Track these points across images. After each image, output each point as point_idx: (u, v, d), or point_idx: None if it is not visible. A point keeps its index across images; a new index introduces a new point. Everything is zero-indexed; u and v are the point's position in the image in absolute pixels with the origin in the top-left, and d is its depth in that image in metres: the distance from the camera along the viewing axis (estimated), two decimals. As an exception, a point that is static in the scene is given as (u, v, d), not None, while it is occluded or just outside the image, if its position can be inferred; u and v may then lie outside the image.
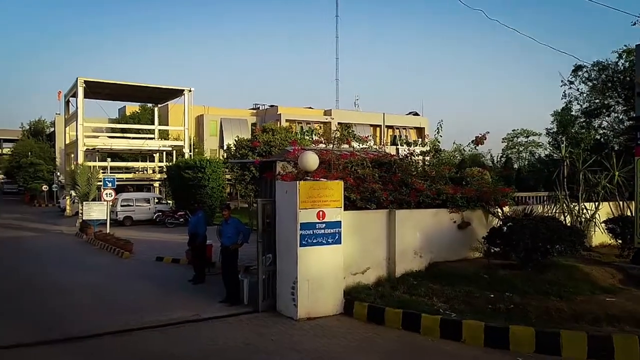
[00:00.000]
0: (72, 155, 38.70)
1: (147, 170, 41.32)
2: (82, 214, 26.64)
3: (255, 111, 65.09)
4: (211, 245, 14.62)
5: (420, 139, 55.16)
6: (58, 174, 58.74)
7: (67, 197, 40.54)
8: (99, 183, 27.23)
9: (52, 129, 66.39)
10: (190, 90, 36.11)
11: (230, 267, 11.08)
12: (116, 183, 27.57)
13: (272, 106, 63.04)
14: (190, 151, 36.61)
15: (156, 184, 39.93)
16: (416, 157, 12.88)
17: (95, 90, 33.74)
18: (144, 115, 55.84)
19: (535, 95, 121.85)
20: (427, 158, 13.74)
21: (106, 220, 26.41)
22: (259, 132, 35.06)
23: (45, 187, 54.54)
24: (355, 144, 12.78)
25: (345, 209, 9.91)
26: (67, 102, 39.35)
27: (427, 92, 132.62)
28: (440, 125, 12.82)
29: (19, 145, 62.26)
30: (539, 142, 58.10)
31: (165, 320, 9.67)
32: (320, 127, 59.36)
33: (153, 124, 46.79)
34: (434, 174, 12.16)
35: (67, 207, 39.99)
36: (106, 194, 26.26)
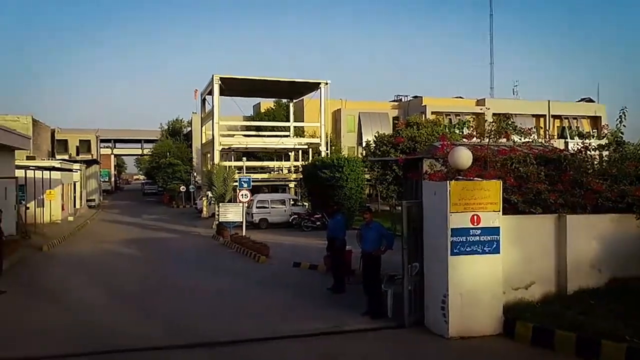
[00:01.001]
0: (209, 155, 41.81)
1: (282, 170, 43.35)
2: (218, 215, 28.75)
3: (396, 104, 64.99)
4: (351, 250, 14.91)
5: (595, 130, 51.22)
6: (195, 174, 63.67)
7: (203, 198, 43.93)
8: (234, 184, 29.13)
9: (189, 129, 72.20)
10: (326, 84, 37.19)
11: (372, 275, 11.22)
12: (251, 184, 29.36)
13: (415, 97, 62.55)
14: (326, 149, 37.74)
15: (291, 185, 41.77)
16: (592, 152, 11.98)
17: (231, 87, 36.21)
18: (279, 112, 58.52)
19: None
20: (606, 153, 12.72)
21: (242, 222, 28.23)
22: (402, 127, 34.98)
23: (182, 188, 59.31)
24: (515, 138, 12.25)
25: (504, 213, 9.57)
26: (203, 101, 42.72)
27: (603, 74, 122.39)
28: (623, 112, 11.80)
29: (158, 145, 68.66)
30: None
31: (305, 330, 10.09)
32: (472, 119, 57.55)
33: (288, 120, 49.16)
34: (616, 172, 11.20)
35: (204, 209, 43.34)
36: (242, 195, 28.00)
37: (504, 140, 12.03)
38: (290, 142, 39.48)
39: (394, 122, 60.87)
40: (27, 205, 30.05)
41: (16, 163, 26.78)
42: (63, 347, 9.45)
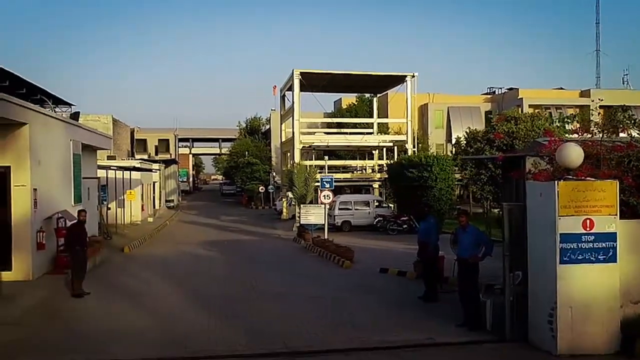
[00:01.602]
0: (288, 154, 42.46)
1: (365, 170, 43.24)
2: (299, 217, 29.09)
3: (489, 96, 63.48)
4: (443, 256, 14.66)
5: None
6: (274, 174, 64.33)
7: (283, 199, 44.62)
8: (316, 184, 29.37)
9: (267, 127, 73.38)
10: (413, 76, 36.74)
11: (469, 284, 10.96)
12: (334, 184, 29.51)
13: (510, 89, 60.82)
14: (413, 147, 37.30)
15: (375, 185, 41.57)
16: None
17: (311, 82, 36.51)
18: (361, 108, 58.49)
19: None
20: None
21: (324, 225, 28.41)
22: (499, 122, 33.99)
23: (261, 189, 59.91)
24: (634, 132, 11.57)
25: (621, 217, 9.07)
26: (283, 97, 43.43)
27: None
28: None
29: (236, 144, 70.10)
30: None
31: (396, 342, 9.99)
32: (576, 111, 55.03)
33: (371, 116, 49.06)
34: None
35: (284, 210, 44.00)
36: (324, 196, 28.18)
37: (622, 134, 11.38)
38: (374, 139, 39.28)
39: (487, 116, 59.50)
40: (109, 206, 31.66)
41: (97, 163, 28.26)
42: (145, 350, 9.86)
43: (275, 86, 49.51)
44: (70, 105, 44.05)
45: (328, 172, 34.54)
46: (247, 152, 65.30)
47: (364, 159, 45.14)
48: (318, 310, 13.04)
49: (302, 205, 28.76)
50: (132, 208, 39.46)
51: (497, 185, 29.34)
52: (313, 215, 28.38)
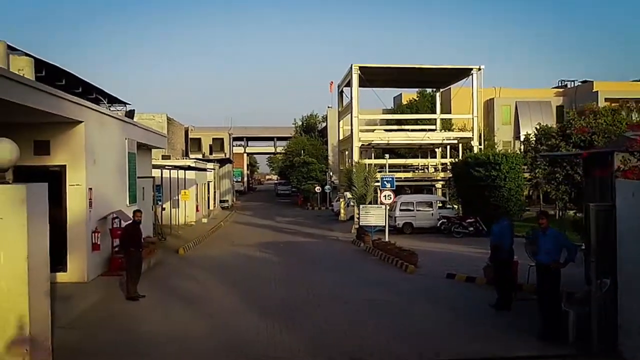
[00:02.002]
0: (346, 152, 42.10)
1: (427, 169, 42.47)
2: (358, 218, 28.77)
3: (560, 90, 61.54)
4: (517, 261, 14.08)
5: None
6: (330, 173, 63.53)
7: (340, 200, 44.33)
8: (376, 183, 29.00)
9: (324, 124, 73.00)
10: (479, 69, 35.74)
11: (549, 291, 10.41)
12: (394, 183, 29.08)
13: (584, 82, 58.76)
14: (479, 144, 36.32)
15: (438, 185, 40.75)
16: None
17: (370, 77, 35.97)
18: (423, 104, 57.52)
19: None
20: None
21: (384, 226, 28.02)
22: (575, 116, 32.80)
23: (318, 189, 59.35)
24: None
25: None
26: (341, 93, 43.15)
27: None
28: None
29: (292, 142, 69.84)
30: None
31: (468, 353, 9.60)
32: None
33: (433, 112, 48.00)
34: None
35: (341, 211, 43.74)
36: (384, 196, 27.82)
37: None
38: (438, 136, 38.43)
39: (563, 110, 57.52)
40: (164, 206, 32.15)
41: (152, 162, 28.64)
42: (201, 356, 9.82)
43: (332, 82, 49.08)
44: (125, 104, 44.93)
45: (388, 172, 34.09)
46: (302, 151, 64.85)
47: (425, 158, 44.04)
48: (382, 317, 12.72)
49: (361, 206, 28.43)
50: (186, 208, 39.96)
51: (574, 185, 28.24)
52: (373, 217, 28.05)
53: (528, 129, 47.31)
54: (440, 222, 32.29)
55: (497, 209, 29.43)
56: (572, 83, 62.30)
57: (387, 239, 26.53)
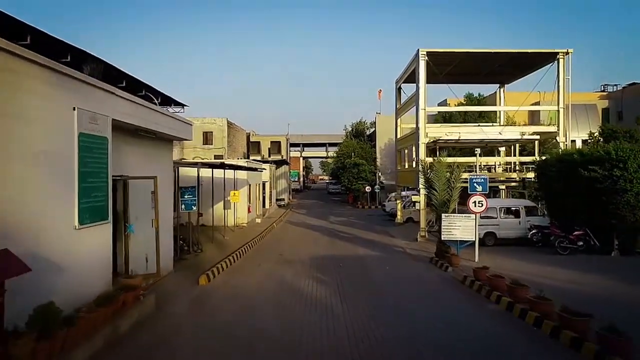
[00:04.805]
0: (406, 151, 30.38)
1: (494, 169, 29.94)
2: (441, 231, 16.97)
3: (604, 93, 48.71)
4: None
5: None
6: (379, 174, 53.44)
7: (397, 201, 32.65)
8: (463, 185, 17.24)
9: (372, 130, 62.09)
10: (567, 53, 23.47)
11: None
12: (487, 186, 17.28)
13: (633, 84, 45.50)
14: (565, 140, 23.89)
15: (502, 186, 28.39)
16: None
17: (439, 63, 24.18)
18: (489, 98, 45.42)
19: None
20: None
21: (474, 242, 16.44)
22: None
23: (367, 188, 49.37)
24: None
25: None
26: (399, 90, 31.22)
27: None
28: None
29: (343, 146, 59.42)
30: None
31: None
32: None
33: (481, 117, 35.91)
34: None
35: (398, 213, 32.01)
36: (474, 202, 16.22)
37: None
38: (514, 130, 25.64)
39: (604, 113, 45.40)
40: (200, 212, 21.19)
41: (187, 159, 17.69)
42: None
43: (380, 90, 37.72)
44: (182, 105, 33.86)
45: (466, 172, 21.95)
46: (353, 154, 54.65)
47: (493, 155, 31.19)
48: None
49: (444, 216, 16.67)
50: (237, 209, 29.36)
51: None
52: (459, 229, 16.49)
53: (575, 133, 35.58)
54: (532, 232, 20.25)
55: (622, 220, 17.28)
56: (614, 87, 49.27)
57: (476, 257, 15.09)
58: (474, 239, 16.43)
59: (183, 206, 18.92)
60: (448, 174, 17.09)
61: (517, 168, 27.90)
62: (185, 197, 19.08)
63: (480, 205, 16.39)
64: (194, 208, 19.08)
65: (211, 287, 13.05)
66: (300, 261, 17.66)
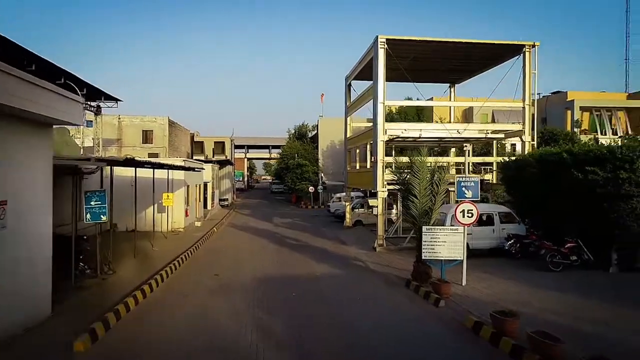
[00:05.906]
0: (357, 151, 25.34)
1: (462, 170, 25.09)
2: (419, 246, 11.91)
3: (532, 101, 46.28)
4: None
5: None
6: (322, 175, 48.45)
7: (346, 202, 27.59)
8: (450, 189, 12.27)
9: (314, 132, 57.03)
10: (533, 46, 19.27)
11: None
12: (478, 191, 12.41)
13: (556, 93, 43.45)
14: (532, 139, 19.69)
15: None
16: None
17: (397, 55, 19.27)
18: (411, 110, 41.54)
19: None
20: None
21: (462, 261, 11.59)
22: None
23: (311, 189, 44.18)
24: None
25: None
26: (349, 87, 26.10)
27: None
28: None
29: (286, 147, 53.91)
30: None
31: None
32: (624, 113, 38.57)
33: (420, 120, 31.58)
34: None
35: (347, 216, 26.93)
36: (463, 212, 11.36)
37: None
38: (478, 129, 20.79)
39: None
40: (115, 222, 15.01)
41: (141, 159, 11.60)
42: None
43: (322, 94, 32.78)
44: (116, 100, 26.52)
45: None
46: (297, 155, 49.30)
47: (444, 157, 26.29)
48: None
49: (425, 228, 11.62)
50: (173, 213, 23.26)
51: None
52: (443, 246, 11.54)
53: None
54: (510, 242, 15.70)
55: (625, 230, 13.02)
56: (538, 95, 47.17)
57: (464, 277, 10.33)
58: (462, 258, 11.54)
59: (89, 215, 12.71)
60: (429, 175, 12.04)
61: (472, 169, 23.58)
62: (91, 203, 12.84)
63: (470, 215, 11.52)
64: (104, 218, 12.84)
65: (94, 354, 7.16)
66: (241, 288, 12.06)
